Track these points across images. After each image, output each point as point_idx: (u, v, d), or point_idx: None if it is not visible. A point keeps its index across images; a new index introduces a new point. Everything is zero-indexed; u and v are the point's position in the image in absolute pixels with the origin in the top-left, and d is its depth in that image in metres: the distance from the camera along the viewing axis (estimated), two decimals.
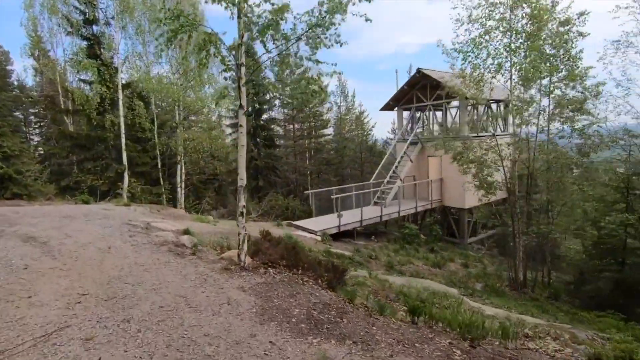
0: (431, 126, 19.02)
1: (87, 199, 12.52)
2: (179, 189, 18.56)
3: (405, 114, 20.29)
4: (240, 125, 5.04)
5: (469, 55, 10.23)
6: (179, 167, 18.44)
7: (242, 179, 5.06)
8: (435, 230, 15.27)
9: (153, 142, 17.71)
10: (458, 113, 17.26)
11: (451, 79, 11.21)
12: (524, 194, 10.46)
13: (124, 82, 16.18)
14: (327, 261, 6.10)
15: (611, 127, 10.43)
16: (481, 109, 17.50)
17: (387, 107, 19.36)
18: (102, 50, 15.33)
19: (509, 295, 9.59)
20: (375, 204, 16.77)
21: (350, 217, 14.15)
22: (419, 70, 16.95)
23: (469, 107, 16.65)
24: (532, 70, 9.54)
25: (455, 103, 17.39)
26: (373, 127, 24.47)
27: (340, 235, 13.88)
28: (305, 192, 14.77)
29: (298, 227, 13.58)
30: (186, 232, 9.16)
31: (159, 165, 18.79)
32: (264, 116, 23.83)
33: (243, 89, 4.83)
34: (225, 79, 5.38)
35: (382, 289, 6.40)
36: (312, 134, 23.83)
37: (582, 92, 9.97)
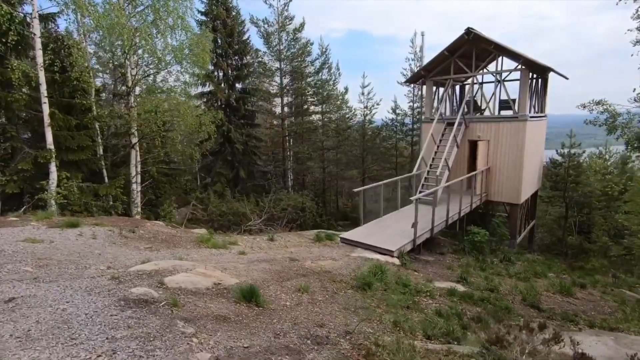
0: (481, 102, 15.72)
1: None
2: (133, 186, 12.56)
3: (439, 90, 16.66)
4: None
5: None
6: (133, 153, 12.38)
7: None
8: (503, 233, 12.14)
9: (92, 115, 11.36)
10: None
11: None
12: None
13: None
14: None
15: None
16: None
17: (416, 77, 15.54)
18: None
19: None
20: (420, 202, 13.04)
21: (421, 225, 10.18)
22: (469, 31, 13.32)
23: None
24: None
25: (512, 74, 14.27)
26: (378, 104, 20.28)
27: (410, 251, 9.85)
28: (355, 189, 10.35)
29: (358, 245, 9.19)
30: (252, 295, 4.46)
31: (101, 151, 12.50)
32: (241, 84, 18.20)
33: None
34: None
35: None
36: (308, 111, 18.87)
37: None
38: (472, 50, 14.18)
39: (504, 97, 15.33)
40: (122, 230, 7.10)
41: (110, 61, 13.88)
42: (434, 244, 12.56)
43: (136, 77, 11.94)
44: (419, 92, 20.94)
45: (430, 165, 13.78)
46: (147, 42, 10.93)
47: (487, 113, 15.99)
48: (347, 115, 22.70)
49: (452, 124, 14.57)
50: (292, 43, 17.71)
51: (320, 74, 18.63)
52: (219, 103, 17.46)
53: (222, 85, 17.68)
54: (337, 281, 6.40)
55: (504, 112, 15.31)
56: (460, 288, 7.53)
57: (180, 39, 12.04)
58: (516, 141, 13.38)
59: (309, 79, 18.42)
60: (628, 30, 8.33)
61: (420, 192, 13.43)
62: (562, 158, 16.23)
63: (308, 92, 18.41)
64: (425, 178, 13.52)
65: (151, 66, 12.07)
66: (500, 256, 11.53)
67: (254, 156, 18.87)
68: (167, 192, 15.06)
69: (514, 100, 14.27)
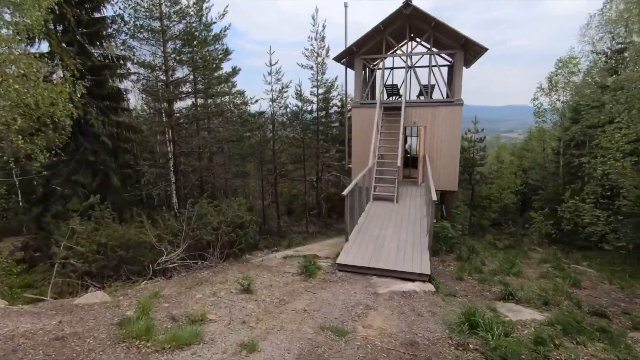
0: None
1: None
2: None
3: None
4: None
5: None
6: None
7: None
8: (464, 225, 11.36)
9: None
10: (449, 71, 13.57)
11: None
12: None
13: None
14: None
15: None
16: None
17: (345, 54, 13.31)
18: None
19: None
20: (377, 198, 11.21)
21: (420, 232, 8.15)
22: (407, 4, 11.88)
23: None
24: None
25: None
26: (288, 86, 16.81)
27: None
28: (343, 192, 7.32)
29: (369, 272, 6.46)
30: None
31: None
32: (100, 49, 12.34)
33: None
34: None
35: None
36: (209, 91, 13.92)
37: None
38: (406, 28, 12.96)
39: (429, 81, 14.82)
40: None
41: None
42: None
43: None
44: (322, 77, 18.95)
45: (378, 155, 11.97)
46: None
47: (407, 98, 15.23)
48: (237, 100, 18.83)
49: (390, 109, 13.19)
50: None
51: (217, 44, 14.21)
52: (64, 74, 11.26)
53: (68, 47, 11.46)
54: None
55: (423, 98, 14.81)
56: (537, 315, 5.76)
57: None
58: (452, 126, 12.87)
59: (208, 49, 13.71)
60: None
61: (375, 187, 11.47)
62: (469, 143, 17.12)
63: (210, 65, 13.65)
64: (377, 171, 11.63)
65: None
66: (465, 249, 10.68)
67: (127, 155, 13.29)
68: None
69: (433, 86, 13.76)
